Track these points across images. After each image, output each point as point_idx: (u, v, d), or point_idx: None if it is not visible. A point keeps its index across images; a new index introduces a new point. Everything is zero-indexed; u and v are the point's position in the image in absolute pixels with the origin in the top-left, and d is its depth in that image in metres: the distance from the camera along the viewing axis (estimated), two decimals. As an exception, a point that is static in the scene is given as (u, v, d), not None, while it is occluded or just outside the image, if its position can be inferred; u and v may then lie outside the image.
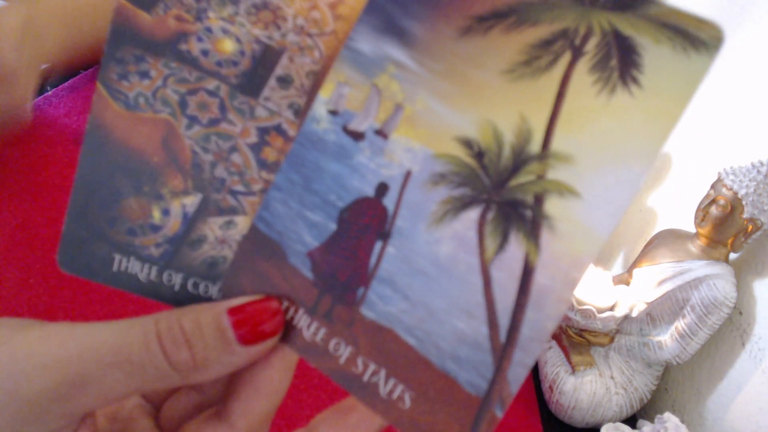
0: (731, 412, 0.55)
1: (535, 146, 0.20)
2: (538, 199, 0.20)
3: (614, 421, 0.57)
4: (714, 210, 0.54)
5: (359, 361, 0.22)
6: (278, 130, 0.24)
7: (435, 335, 0.21)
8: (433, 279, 0.21)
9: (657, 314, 0.57)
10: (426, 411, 0.21)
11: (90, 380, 0.20)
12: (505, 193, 0.21)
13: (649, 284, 0.57)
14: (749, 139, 0.61)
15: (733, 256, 0.57)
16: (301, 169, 0.23)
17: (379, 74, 0.22)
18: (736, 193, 0.52)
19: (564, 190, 0.20)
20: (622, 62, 0.20)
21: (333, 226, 0.23)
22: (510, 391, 0.20)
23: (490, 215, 0.21)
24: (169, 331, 0.21)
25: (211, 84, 0.24)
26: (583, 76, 0.20)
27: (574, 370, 0.58)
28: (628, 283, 0.61)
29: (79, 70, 0.72)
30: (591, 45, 0.20)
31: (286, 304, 0.23)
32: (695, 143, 0.69)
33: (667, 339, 0.56)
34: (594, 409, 0.57)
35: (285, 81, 0.24)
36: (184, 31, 0.24)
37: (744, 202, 0.52)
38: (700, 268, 0.54)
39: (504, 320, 0.20)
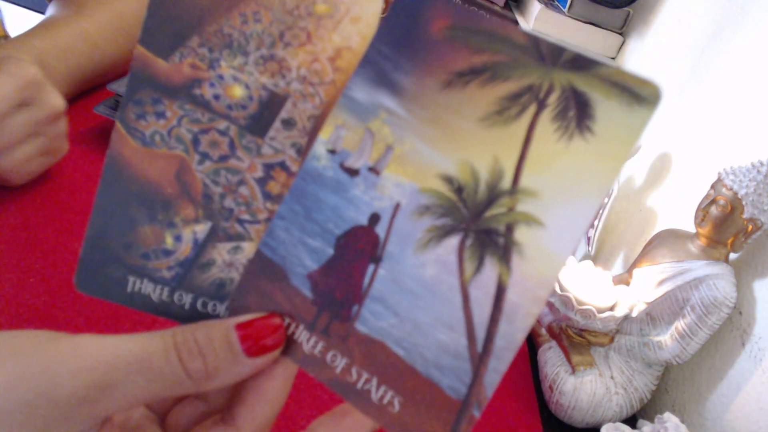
0: (731, 412, 0.55)
1: (506, 183, 0.24)
2: (509, 229, 0.24)
3: (614, 421, 0.56)
4: (714, 210, 0.53)
5: (353, 371, 0.25)
6: (282, 166, 0.27)
7: (421, 346, 0.24)
8: (419, 297, 0.25)
9: (657, 314, 0.57)
10: (413, 414, 0.24)
11: (115, 385, 0.23)
12: (481, 223, 0.24)
13: (649, 284, 0.57)
14: (749, 139, 0.61)
15: (733, 256, 0.57)
16: (303, 200, 0.26)
17: (373, 119, 0.26)
18: (736, 193, 0.52)
19: (531, 220, 0.23)
20: (578, 113, 0.23)
21: (330, 251, 0.26)
22: (486, 394, 0.24)
23: (469, 242, 0.24)
24: (185, 343, 0.24)
25: (222, 125, 0.27)
26: (546, 124, 0.24)
27: (574, 370, 0.57)
28: (628, 283, 0.61)
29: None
30: (553, 98, 0.24)
31: (287, 320, 0.26)
32: (695, 143, 0.69)
33: (667, 339, 0.55)
34: (594, 409, 0.56)
35: (289, 123, 0.27)
36: (197, 78, 0.27)
37: (744, 202, 0.52)
38: (700, 268, 0.54)
39: (480, 333, 0.24)
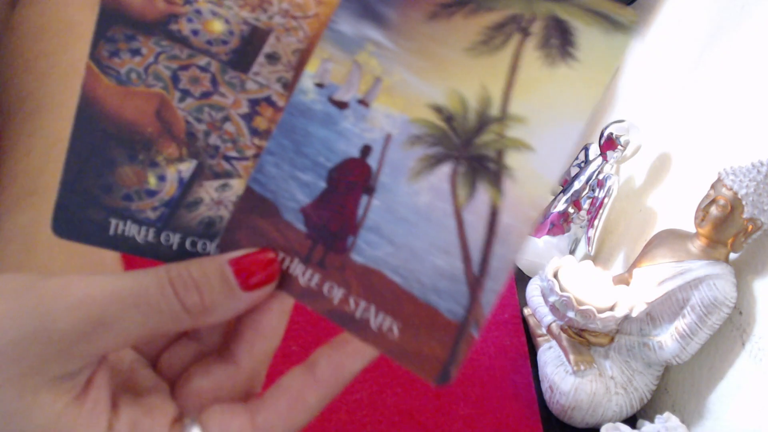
0: (731, 412, 0.55)
1: (494, 110, 0.25)
2: (500, 154, 0.25)
3: (614, 421, 0.56)
4: (714, 210, 0.53)
5: (351, 300, 0.26)
6: (268, 101, 0.27)
7: (417, 272, 0.25)
8: (414, 225, 0.25)
9: (657, 314, 0.57)
10: (412, 338, 0.25)
11: (111, 321, 0.22)
12: (472, 149, 0.25)
13: (649, 284, 0.57)
14: (749, 139, 0.61)
15: (733, 256, 0.57)
16: (291, 135, 0.26)
17: (360, 52, 0.26)
18: (736, 193, 0.52)
19: (520, 145, 0.24)
20: (561, 41, 0.24)
21: (323, 185, 0.26)
22: (483, 313, 0.25)
23: (461, 169, 0.25)
24: (179, 277, 0.24)
25: (202, 60, 0.27)
26: (530, 52, 0.25)
27: (574, 370, 0.57)
28: (628, 283, 0.61)
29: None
30: (536, 27, 0.25)
31: (282, 255, 0.26)
32: (695, 143, 0.70)
33: (667, 339, 0.56)
34: (594, 409, 0.57)
35: (273, 58, 0.27)
36: (173, 13, 0.27)
37: (744, 202, 0.52)
38: (700, 268, 0.54)
39: (476, 255, 0.25)
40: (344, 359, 0.26)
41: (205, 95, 0.27)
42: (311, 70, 0.26)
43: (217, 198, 0.27)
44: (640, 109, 0.86)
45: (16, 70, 0.43)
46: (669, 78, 0.80)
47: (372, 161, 0.26)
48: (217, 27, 0.27)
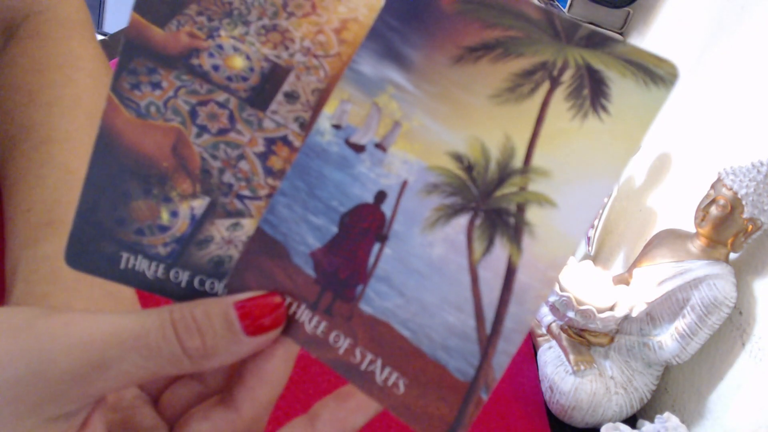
0: (731, 412, 0.55)
1: (518, 162, 0.23)
2: (520, 208, 0.23)
3: (614, 421, 0.56)
4: (714, 210, 0.53)
5: (357, 352, 0.25)
6: (284, 140, 0.26)
7: (427, 327, 0.24)
8: (426, 277, 0.24)
9: (657, 314, 0.57)
10: (418, 396, 0.24)
11: (110, 363, 0.22)
12: (491, 202, 0.24)
13: (649, 284, 0.57)
14: (749, 139, 0.61)
15: (733, 256, 0.57)
16: (306, 176, 0.25)
17: (380, 94, 0.25)
18: (736, 193, 0.52)
19: (543, 200, 0.23)
20: (593, 92, 0.23)
21: (334, 229, 0.25)
22: (495, 376, 0.23)
23: (478, 221, 0.24)
24: (182, 320, 0.23)
25: (221, 96, 0.26)
26: (559, 102, 0.23)
27: (574, 370, 0.57)
28: (628, 283, 0.61)
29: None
30: (567, 76, 0.23)
31: (289, 299, 0.25)
32: (695, 143, 0.69)
33: (667, 339, 0.56)
34: (594, 409, 0.57)
35: (292, 96, 0.26)
36: (196, 47, 0.26)
37: (744, 202, 0.52)
38: (700, 268, 0.54)
39: (489, 314, 0.23)
40: (347, 414, 0.25)
41: (222, 132, 0.26)
42: (329, 110, 0.25)
43: (228, 237, 0.26)
44: None
45: (18, 101, 0.43)
46: None
47: (386, 208, 0.25)
48: (238, 63, 0.26)
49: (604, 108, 0.23)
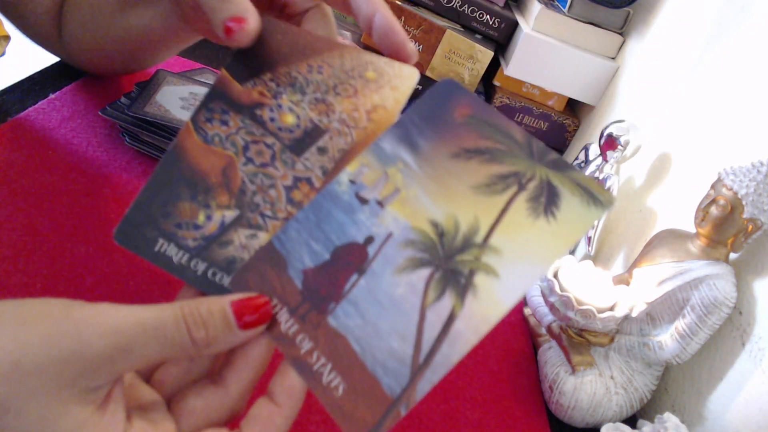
0: (731, 412, 0.54)
1: (479, 238, 0.30)
2: (471, 273, 0.29)
3: (614, 421, 0.55)
4: (714, 210, 0.53)
5: (314, 354, 0.30)
6: (308, 181, 0.33)
7: (375, 347, 0.29)
8: (386, 309, 0.30)
9: (657, 314, 0.56)
10: (351, 401, 0.29)
11: (134, 347, 0.27)
12: (451, 263, 0.30)
13: (649, 284, 0.56)
14: (749, 139, 0.61)
15: (733, 256, 0.57)
16: (318, 212, 0.32)
17: (391, 166, 0.32)
18: (736, 193, 0.52)
19: (490, 271, 0.29)
20: (548, 201, 0.30)
21: (327, 256, 0.31)
22: (415, 398, 0.28)
23: (437, 275, 0.30)
24: (191, 314, 0.29)
25: (270, 140, 0.34)
26: (521, 203, 0.30)
27: (574, 370, 0.57)
28: (628, 283, 0.60)
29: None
30: (531, 185, 0.30)
31: (275, 301, 0.31)
32: (695, 143, 0.69)
33: (667, 339, 0.55)
34: (594, 409, 0.56)
35: (322, 151, 0.34)
36: (262, 103, 0.35)
37: (744, 202, 0.52)
38: (700, 268, 0.54)
39: (426, 348, 0.29)
40: (294, 383, 0.30)
41: (263, 165, 0.34)
42: (351, 169, 0.33)
43: (245, 243, 0.33)
44: (640, 109, 0.84)
45: None
46: (669, 78, 0.78)
47: (371, 249, 0.31)
48: (290, 120, 0.34)
49: (553, 214, 0.29)
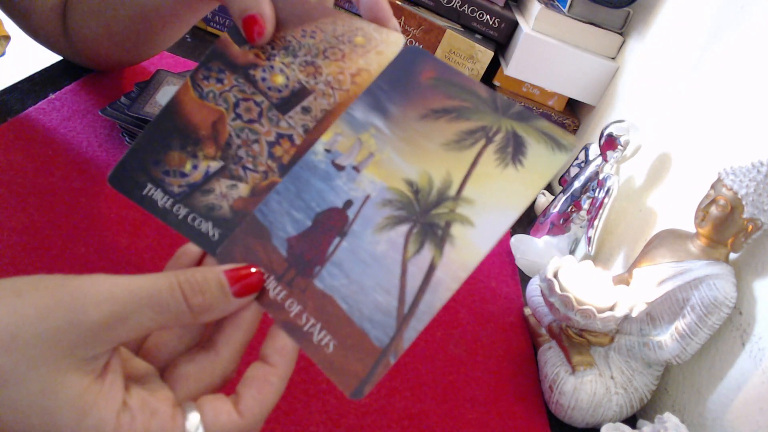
0: (731, 412, 0.54)
1: (452, 191, 0.31)
2: (448, 224, 0.30)
3: (614, 421, 0.55)
4: (714, 210, 0.53)
5: (304, 316, 0.31)
6: (290, 138, 0.35)
7: (361, 303, 0.30)
8: (369, 266, 0.31)
9: (657, 314, 0.56)
10: (342, 356, 0.30)
11: (130, 315, 0.27)
12: (428, 217, 0.31)
13: (649, 284, 0.57)
14: (749, 139, 0.61)
15: (733, 256, 0.57)
16: (297, 182, 0.33)
17: (364, 133, 0.33)
18: (736, 193, 0.52)
19: (464, 221, 0.30)
20: (514, 150, 0.31)
21: (309, 223, 0.33)
22: (403, 346, 0.29)
23: (415, 230, 0.31)
24: (186, 282, 0.29)
25: (259, 98, 0.36)
26: (490, 154, 0.31)
27: (574, 370, 0.57)
28: (628, 283, 0.60)
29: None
30: (498, 137, 0.31)
31: (262, 270, 0.32)
32: (695, 143, 0.70)
33: (667, 339, 0.55)
34: (594, 409, 0.56)
35: (306, 110, 0.35)
36: (256, 63, 0.36)
37: (744, 202, 0.52)
38: (700, 268, 0.54)
39: (409, 298, 0.30)
40: (285, 343, 0.31)
41: (250, 121, 0.35)
42: (325, 138, 0.34)
43: (225, 192, 0.34)
44: (640, 109, 0.84)
45: None
46: (669, 78, 0.78)
47: (350, 213, 0.32)
48: (280, 80, 0.36)
49: (520, 162, 0.31)
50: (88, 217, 0.54)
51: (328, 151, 0.34)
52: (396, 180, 0.32)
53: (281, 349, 0.31)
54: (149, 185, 0.35)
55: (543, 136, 0.31)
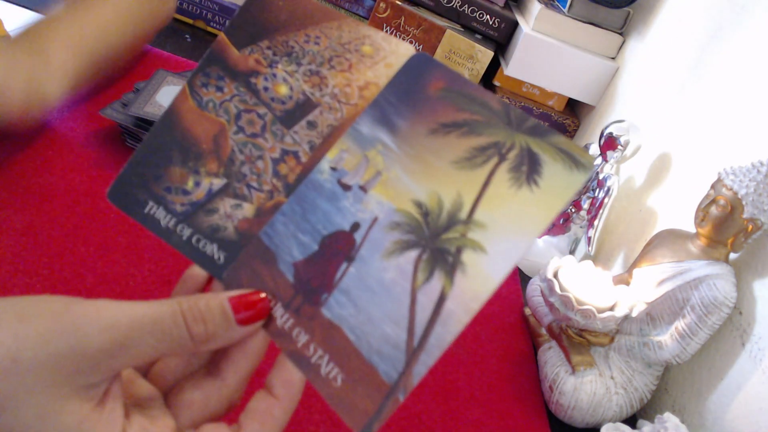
0: (731, 412, 0.55)
1: (463, 214, 0.29)
2: (459, 250, 0.29)
3: (614, 421, 0.55)
4: (714, 210, 0.53)
5: (311, 347, 0.30)
6: (295, 155, 0.33)
7: (369, 335, 0.29)
8: (377, 295, 0.30)
9: (657, 314, 0.56)
10: (350, 390, 0.29)
11: (132, 343, 0.27)
12: (437, 242, 0.29)
13: (649, 284, 0.57)
14: (749, 139, 0.61)
15: (733, 256, 0.57)
16: (303, 203, 0.32)
17: (371, 149, 0.32)
18: (736, 193, 0.52)
19: (477, 247, 0.29)
20: (529, 169, 0.29)
21: (315, 247, 0.31)
22: (412, 382, 0.28)
23: (425, 256, 0.29)
24: (189, 310, 0.29)
25: (262, 110, 0.34)
26: (503, 173, 0.29)
27: (574, 370, 0.57)
28: (628, 283, 0.60)
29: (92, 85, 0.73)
30: (512, 155, 0.29)
31: (269, 297, 0.31)
32: (695, 143, 0.70)
33: (667, 339, 0.55)
34: (594, 409, 0.56)
35: (312, 125, 0.33)
36: (257, 71, 0.35)
37: (744, 202, 0.52)
38: (700, 268, 0.54)
39: (419, 331, 0.28)
40: (292, 376, 0.30)
41: (254, 136, 0.34)
42: (330, 156, 0.32)
43: (229, 213, 0.33)
44: (640, 109, 0.84)
45: None
46: (669, 78, 0.79)
47: (358, 236, 0.31)
48: (283, 90, 0.34)
49: (536, 182, 0.29)
50: (88, 217, 0.54)
51: (333, 169, 0.32)
52: (404, 201, 0.30)
53: (287, 382, 0.30)
54: (151, 203, 0.34)
55: (560, 153, 0.29)
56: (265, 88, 0.34)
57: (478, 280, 0.28)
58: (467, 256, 0.29)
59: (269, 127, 0.34)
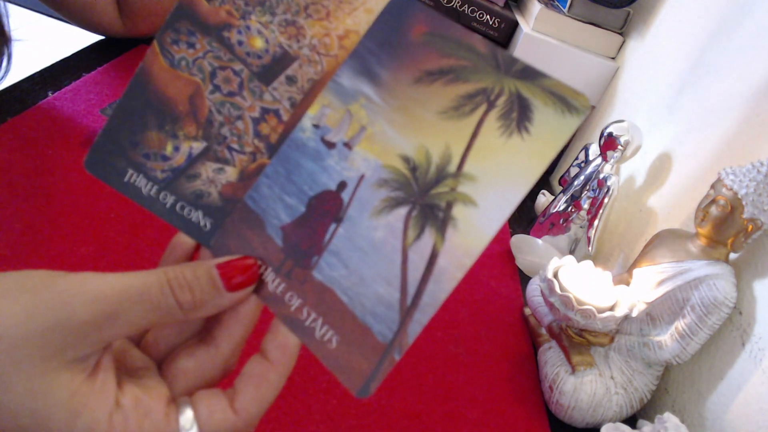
0: (731, 412, 0.55)
1: (452, 167, 0.28)
2: (449, 205, 0.28)
3: (614, 421, 0.56)
4: (714, 210, 0.53)
5: (305, 310, 0.29)
6: (276, 113, 0.32)
7: (362, 296, 0.29)
8: (368, 255, 0.29)
9: (657, 314, 0.56)
10: (346, 351, 0.28)
11: (120, 314, 0.27)
12: (427, 198, 0.28)
13: (649, 284, 0.57)
14: (749, 139, 0.61)
15: (733, 256, 0.57)
16: (286, 164, 0.31)
17: (353, 103, 0.30)
18: (736, 193, 0.52)
19: (467, 200, 0.28)
20: (520, 115, 0.27)
21: (302, 209, 0.30)
22: (407, 341, 0.27)
23: (414, 213, 0.28)
24: (176, 279, 0.28)
25: (238, 66, 0.32)
26: (492, 122, 0.28)
27: (574, 370, 0.57)
28: (628, 283, 0.60)
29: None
30: (501, 101, 0.28)
31: (259, 262, 0.30)
32: (695, 143, 0.70)
33: (667, 339, 0.55)
34: (594, 409, 0.56)
35: (291, 80, 0.32)
36: (229, 23, 0.33)
37: (744, 202, 0.52)
38: (700, 268, 0.54)
39: (412, 289, 0.28)
40: (287, 339, 0.30)
41: (231, 94, 0.32)
42: (312, 112, 0.31)
43: (212, 177, 0.32)
44: (640, 109, 0.84)
45: None
46: (669, 78, 0.79)
47: (345, 195, 0.30)
48: (258, 43, 0.32)
49: (527, 129, 0.27)
50: (88, 217, 0.53)
51: (316, 126, 0.31)
52: (391, 156, 0.29)
53: (282, 345, 0.29)
54: (130, 171, 0.33)
55: (551, 97, 0.27)
56: (240, 42, 0.32)
57: (470, 235, 0.27)
58: (458, 211, 0.28)
59: (247, 85, 0.32)
